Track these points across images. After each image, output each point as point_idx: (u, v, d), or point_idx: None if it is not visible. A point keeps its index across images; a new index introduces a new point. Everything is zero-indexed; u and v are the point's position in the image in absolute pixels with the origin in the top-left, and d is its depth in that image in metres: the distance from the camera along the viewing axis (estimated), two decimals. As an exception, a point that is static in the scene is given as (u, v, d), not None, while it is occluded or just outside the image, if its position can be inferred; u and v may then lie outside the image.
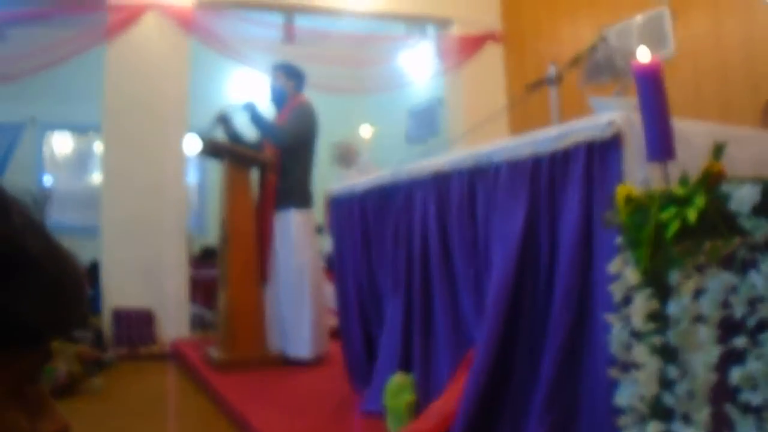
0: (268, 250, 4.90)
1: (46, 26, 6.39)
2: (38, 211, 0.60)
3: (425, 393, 2.83)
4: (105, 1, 6.08)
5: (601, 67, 2.39)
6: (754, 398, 1.34)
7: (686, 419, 1.46)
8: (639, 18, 5.75)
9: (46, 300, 0.57)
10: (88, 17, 6.28)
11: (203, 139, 5.00)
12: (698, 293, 1.47)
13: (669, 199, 1.47)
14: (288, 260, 4.86)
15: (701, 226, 1.42)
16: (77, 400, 4.03)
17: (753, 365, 1.34)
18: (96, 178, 9.08)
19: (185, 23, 6.24)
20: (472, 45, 7.42)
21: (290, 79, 5.15)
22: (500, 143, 2.50)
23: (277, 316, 4.86)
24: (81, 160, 9.38)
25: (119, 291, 5.85)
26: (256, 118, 4.91)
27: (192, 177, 8.39)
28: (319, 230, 5.62)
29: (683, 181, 1.48)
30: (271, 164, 4.89)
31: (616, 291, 1.58)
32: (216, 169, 5.61)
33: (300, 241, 4.87)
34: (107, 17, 6.11)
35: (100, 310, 5.89)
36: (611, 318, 1.61)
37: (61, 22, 6.33)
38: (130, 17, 6.10)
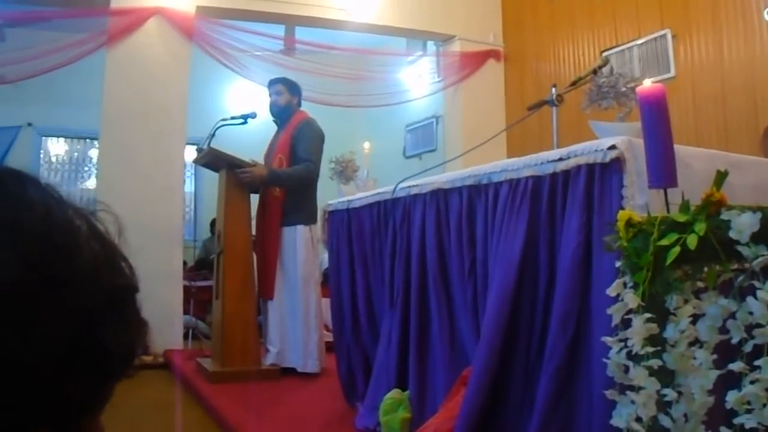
0: (274, 265, 4.90)
1: (48, 29, 6.36)
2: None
3: (420, 410, 2.83)
4: (108, 5, 6.07)
5: (603, 92, 2.41)
6: (749, 421, 1.35)
7: (683, 442, 1.47)
8: (640, 40, 5.79)
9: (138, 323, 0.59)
10: (90, 21, 6.25)
11: (200, 149, 5.01)
12: (696, 318, 1.49)
13: (670, 226, 1.49)
14: (294, 275, 4.86)
15: (700, 252, 1.44)
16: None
17: (749, 389, 1.36)
18: (91, 184, 9.08)
19: (187, 30, 6.23)
20: (472, 62, 7.46)
21: (293, 94, 5.17)
22: (501, 163, 2.51)
23: (279, 329, 4.85)
24: (77, 166, 9.39)
25: (113, 299, 5.79)
26: (279, 181, 4.91)
27: (187, 185, 8.37)
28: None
29: (684, 207, 1.50)
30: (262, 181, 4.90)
31: (615, 314, 1.59)
32: (211, 178, 5.61)
33: (308, 256, 4.88)
34: (109, 22, 6.08)
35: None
36: (609, 340, 1.62)
37: (63, 25, 6.31)
38: (134, 22, 6.09)
